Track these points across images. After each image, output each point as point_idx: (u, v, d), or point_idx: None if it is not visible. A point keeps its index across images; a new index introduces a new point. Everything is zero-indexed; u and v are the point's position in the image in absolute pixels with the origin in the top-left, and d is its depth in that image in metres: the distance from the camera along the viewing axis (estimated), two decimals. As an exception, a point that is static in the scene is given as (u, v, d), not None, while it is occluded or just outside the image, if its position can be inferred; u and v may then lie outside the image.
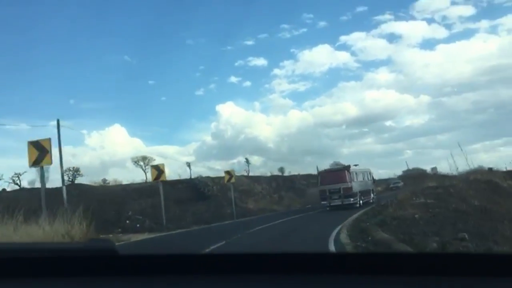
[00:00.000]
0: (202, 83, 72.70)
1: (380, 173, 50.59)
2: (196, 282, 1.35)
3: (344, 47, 71.77)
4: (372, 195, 31.35)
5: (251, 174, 41.31)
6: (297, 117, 66.01)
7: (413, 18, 64.78)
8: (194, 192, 33.43)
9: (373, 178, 33.33)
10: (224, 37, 73.15)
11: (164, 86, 68.23)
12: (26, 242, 8.15)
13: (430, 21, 65.41)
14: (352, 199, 26.74)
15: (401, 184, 47.13)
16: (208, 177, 34.51)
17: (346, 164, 28.90)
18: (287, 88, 69.55)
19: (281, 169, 45.47)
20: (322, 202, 28.13)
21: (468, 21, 66.31)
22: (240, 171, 38.77)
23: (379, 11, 76.10)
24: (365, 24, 76.15)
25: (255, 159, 73.98)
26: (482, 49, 61.68)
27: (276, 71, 70.88)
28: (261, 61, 68.41)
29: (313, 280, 1.27)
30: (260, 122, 64.50)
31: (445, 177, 37.89)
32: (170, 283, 1.37)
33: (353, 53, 67.81)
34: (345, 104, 67.53)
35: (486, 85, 65.03)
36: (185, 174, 37.31)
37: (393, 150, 67.84)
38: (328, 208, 26.91)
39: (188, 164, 37.54)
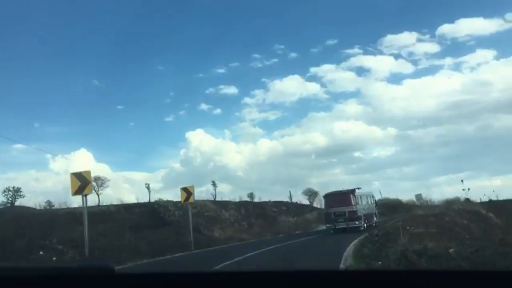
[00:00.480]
0: (172, 110, 71.12)
1: None
2: None
3: (314, 79, 72.77)
4: (375, 218, 31.12)
5: (218, 199, 37.67)
6: (267, 146, 64.70)
7: (381, 52, 62.62)
8: (153, 217, 29.47)
9: (375, 201, 33.08)
10: (195, 64, 72.55)
11: (133, 111, 65.89)
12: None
13: (397, 56, 65.94)
14: (357, 223, 26.59)
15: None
16: (169, 201, 30.64)
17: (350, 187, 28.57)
18: (258, 117, 68.81)
19: (251, 195, 42.07)
20: (327, 225, 28.23)
21: (433, 57, 65.87)
22: (218, 205, 35.20)
23: (348, 44, 75.31)
24: (335, 56, 74.76)
25: (224, 187, 73.64)
26: (446, 85, 62.68)
27: (247, 99, 68.31)
28: (232, 90, 66.65)
29: None
30: (230, 150, 63.72)
31: (426, 206, 36.22)
32: None
33: (323, 85, 65.59)
34: (315, 134, 67.31)
35: (449, 120, 66.01)
36: (144, 197, 33.25)
37: (361, 181, 69.94)
38: (332, 232, 26.98)
39: (147, 186, 33.54)
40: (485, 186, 76.60)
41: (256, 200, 41.51)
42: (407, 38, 62.74)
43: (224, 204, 36.06)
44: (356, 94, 74.73)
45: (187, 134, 68.29)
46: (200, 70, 73.89)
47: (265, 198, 42.33)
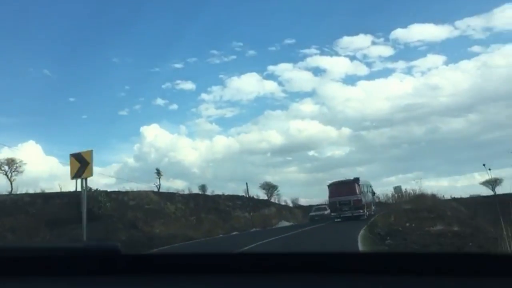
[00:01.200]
0: (126, 103, 71.89)
1: (302, 202, 47.91)
2: (201, 282, 1.34)
3: (272, 77, 74.09)
4: (373, 207, 31.72)
5: (164, 190, 32.40)
6: (223, 143, 65.36)
7: (337, 54, 65.07)
8: (78, 210, 23.89)
9: (372, 191, 33.62)
10: (152, 58, 71.89)
11: (86, 104, 64.12)
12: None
13: (352, 58, 68.05)
14: (361, 211, 27.17)
15: (327, 212, 39.94)
16: (100, 191, 25.13)
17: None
18: (214, 114, 69.11)
19: (203, 187, 37.19)
20: (332, 214, 28.80)
21: (387, 60, 69.27)
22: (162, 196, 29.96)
23: (306, 44, 78.00)
24: (292, 56, 77.14)
25: (179, 184, 71.93)
26: (399, 88, 64.86)
27: (204, 96, 71.83)
28: (189, 85, 67.46)
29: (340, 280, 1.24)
30: (185, 146, 63.10)
31: (406, 201, 33.73)
32: (172, 282, 1.37)
33: (280, 83, 69.39)
34: (271, 133, 67.61)
35: (401, 122, 68.25)
36: (70, 186, 27.43)
37: (315, 180, 66.70)
38: (338, 220, 27.34)
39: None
40: (433, 186, 78.87)
41: (208, 193, 36.68)
42: (362, 40, 66.20)
43: (170, 196, 30.90)
44: (312, 94, 77.15)
45: (141, 129, 68.85)
46: (156, 64, 73.29)
47: (219, 192, 37.59)
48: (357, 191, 27.72)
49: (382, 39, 66.08)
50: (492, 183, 44.44)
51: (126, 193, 28.22)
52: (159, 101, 64.50)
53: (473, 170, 62.67)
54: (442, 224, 13.10)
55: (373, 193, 33.73)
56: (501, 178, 44.49)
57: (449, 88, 63.16)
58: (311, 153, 74.74)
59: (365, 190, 29.94)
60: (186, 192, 34.53)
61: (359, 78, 75.00)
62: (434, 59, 64.78)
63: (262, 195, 42.74)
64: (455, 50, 69.37)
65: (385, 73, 74.45)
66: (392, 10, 70.31)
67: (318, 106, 70.45)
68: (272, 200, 43.66)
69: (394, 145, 68.13)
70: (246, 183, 38.97)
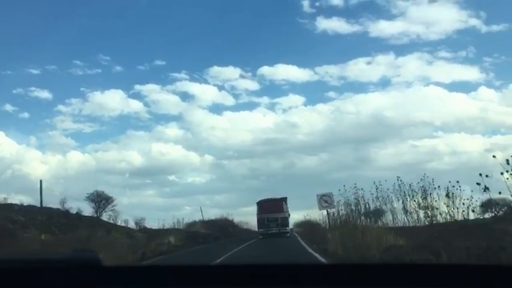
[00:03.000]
0: None
1: (152, 225, 41.99)
2: None
3: (138, 96, 70.61)
4: (290, 226, 33.85)
5: None
6: (78, 159, 60.29)
7: (206, 82, 65.01)
8: None
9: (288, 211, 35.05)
10: (4, 59, 64.26)
11: None
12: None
13: (221, 88, 64.90)
14: (287, 228, 30.47)
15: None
16: None
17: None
18: (71, 128, 63.69)
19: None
20: (260, 230, 30.38)
21: (252, 94, 68.14)
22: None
23: (176, 68, 75.89)
24: (162, 78, 75.46)
25: (23, 200, 56.64)
26: (262, 122, 66.80)
27: (61, 107, 62.97)
28: (45, 94, 60.73)
29: None
30: (34, 159, 56.93)
31: None
32: None
33: (146, 104, 63.24)
34: (132, 153, 64.82)
35: (261, 154, 71.24)
36: None
37: (173, 205, 65.01)
38: (261, 237, 29.12)
39: None
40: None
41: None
42: (231, 72, 65.43)
43: None
44: (178, 118, 75.73)
45: (-17, 135, 57.38)
46: (9, 67, 65.98)
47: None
48: (284, 209, 30.24)
49: (250, 74, 64.86)
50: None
51: None
52: (8, 107, 57.57)
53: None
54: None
55: (289, 214, 34.62)
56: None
57: (306, 127, 66.79)
58: (171, 177, 73.36)
59: (287, 209, 31.44)
60: None
61: (226, 108, 72.47)
62: (295, 99, 65.58)
63: (89, 210, 31.08)
64: (314, 93, 71.47)
65: (250, 106, 73.37)
66: (261, 48, 73.56)
67: (183, 131, 68.86)
68: (105, 218, 32.11)
69: (253, 176, 69.28)
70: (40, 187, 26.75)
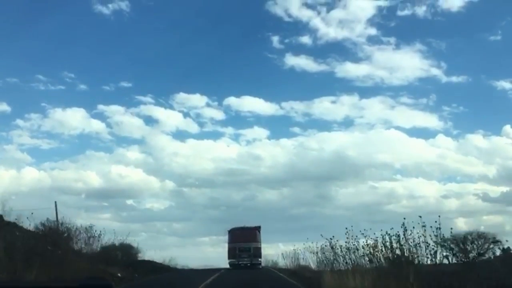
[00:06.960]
0: None
1: None
2: None
3: (101, 117, 69.20)
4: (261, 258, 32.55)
5: None
6: (33, 176, 60.02)
7: (171, 107, 65.34)
8: None
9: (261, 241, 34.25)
10: None
11: None
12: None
13: (186, 115, 66.03)
14: (260, 259, 28.59)
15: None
16: None
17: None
18: (28, 143, 63.17)
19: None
20: (230, 260, 28.70)
21: (217, 124, 67.73)
22: None
23: (142, 91, 73.11)
24: (126, 100, 71.92)
25: None
26: (225, 152, 67.44)
27: (19, 121, 62.54)
28: (3, 106, 60.74)
29: None
30: None
31: None
32: None
33: (108, 125, 63.12)
34: (90, 174, 64.47)
35: (222, 184, 70.48)
36: None
37: (129, 230, 60.10)
38: (231, 267, 27.87)
39: None
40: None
41: None
42: (198, 100, 65.27)
43: None
44: (140, 142, 74.62)
45: None
46: None
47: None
48: (258, 238, 28.42)
49: (216, 103, 65.38)
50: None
51: None
52: (-40, 118, 59.76)
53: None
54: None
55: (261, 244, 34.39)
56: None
57: (269, 161, 67.04)
58: (129, 201, 72.67)
59: (260, 239, 29.91)
60: None
61: (190, 135, 71.18)
62: (260, 132, 66.47)
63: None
64: (278, 127, 72.41)
65: (215, 135, 73.55)
66: (229, 78, 74.08)
67: (145, 155, 68.42)
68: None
69: (213, 206, 68.18)
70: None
